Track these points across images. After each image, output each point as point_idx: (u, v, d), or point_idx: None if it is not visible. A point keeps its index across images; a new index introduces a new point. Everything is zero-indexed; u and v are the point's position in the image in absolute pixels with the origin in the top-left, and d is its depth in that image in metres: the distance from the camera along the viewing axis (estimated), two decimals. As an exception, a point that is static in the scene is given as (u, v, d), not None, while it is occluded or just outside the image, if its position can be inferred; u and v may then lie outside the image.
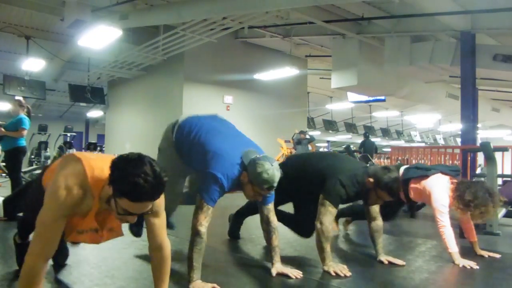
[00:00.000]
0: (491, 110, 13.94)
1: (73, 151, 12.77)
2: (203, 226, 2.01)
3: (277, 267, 2.26)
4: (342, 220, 3.71)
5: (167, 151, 2.42)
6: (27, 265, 1.43)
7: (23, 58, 9.48)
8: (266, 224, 2.30)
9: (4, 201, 4.05)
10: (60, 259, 2.31)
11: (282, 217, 2.85)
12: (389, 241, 3.40)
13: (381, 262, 2.57)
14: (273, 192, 2.12)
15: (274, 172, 2.00)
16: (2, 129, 4.85)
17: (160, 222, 1.65)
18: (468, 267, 2.50)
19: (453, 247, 2.60)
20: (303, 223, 2.80)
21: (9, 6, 7.71)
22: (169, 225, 2.91)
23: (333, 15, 7.44)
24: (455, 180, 2.80)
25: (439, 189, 2.74)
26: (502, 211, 4.07)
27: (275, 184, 2.01)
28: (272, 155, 8.32)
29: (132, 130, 10.78)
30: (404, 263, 2.54)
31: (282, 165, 2.66)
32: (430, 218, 3.43)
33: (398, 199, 2.61)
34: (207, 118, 2.42)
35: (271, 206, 2.30)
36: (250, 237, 3.30)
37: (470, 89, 6.74)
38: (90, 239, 1.63)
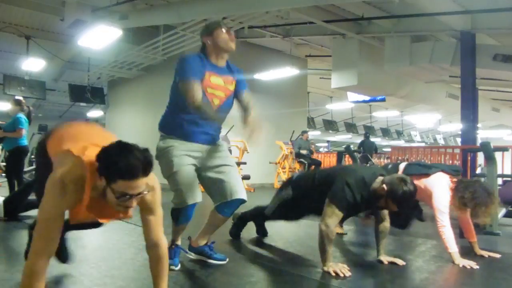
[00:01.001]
0: (491, 110, 13.94)
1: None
2: (195, 94, 2.17)
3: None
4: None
5: (161, 150, 2.42)
6: (29, 263, 1.45)
7: (23, 58, 9.47)
8: (244, 111, 2.37)
9: (5, 201, 4.05)
10: (63, 257, 2.30)
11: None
12: (389, 241, 3.39)
13: (381, 262, 2.57)
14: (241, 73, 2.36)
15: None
16: (1, 130, 4.86)
17: (155, 219, 1.65)
18: (468, 267, 2.50)
19: (452, 247, 2.60)
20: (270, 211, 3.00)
21: (9, 6, 7.71)
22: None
23: (333, 15, 7.44)
24: (455, 180, 2.80)
25: (441, 188, 2.74)
26: (502, 211, 4.07)
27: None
28: (272, 155, 8.34)
29: (132, 130, 10.77)
30: (404, 263, 2.54)
31: (296, 183, 2.84)
32: (430, 218, 3.43)
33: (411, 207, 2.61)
34: None
35: (248, 96, 2.43)
36: (250, 237, 3.30)
37: (470, 89, 6.74)
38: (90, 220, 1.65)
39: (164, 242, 1.68)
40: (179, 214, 2.32)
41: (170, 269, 1.99)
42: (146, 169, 1.42)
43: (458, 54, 7.06)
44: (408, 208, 2.36)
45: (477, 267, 2.51)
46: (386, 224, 2.66)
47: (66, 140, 1.68)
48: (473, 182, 2.69)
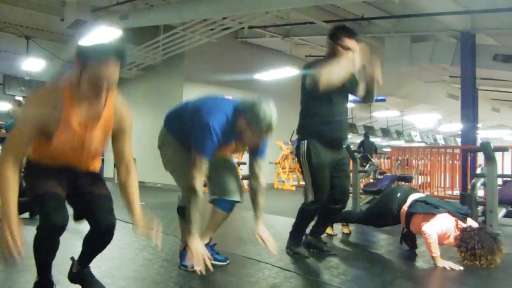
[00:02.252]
0: (491, 110, 13.94)
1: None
2: (197, 181, 2.03)
3: (260, 229, 2.24)
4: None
5: (166, 142, 2.40)
6: None
7: (23, 58, 9.47)
8: (254, 181, 2.30)
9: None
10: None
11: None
12: (389, 241, 3.40)
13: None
14: (266, 141, 2.16)
15: (271, 111, 2.00)
16: (3, 131, 4.86)
17: (125, 140, 1.75)
18: (449, 268, 2.47)
19: (435, 251, 2.57)
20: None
21: (9, 6, 7.72)
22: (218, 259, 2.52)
23: (333, 15, 7.44)
24: (461, 223, 2.69)
25: (436, 224, 2.64)
26: (502, 211, 4.07)
27: (273, 124, 2.00)
28: (273, 156, 8.36)
29: (132, 130, 10.78)
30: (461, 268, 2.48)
31: None
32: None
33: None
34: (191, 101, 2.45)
35: (262, 163, 2.31)
36: (250, 237, 3.30)
37: (470, 89, 6.74)
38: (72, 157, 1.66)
39: (132, 161, 1.79)
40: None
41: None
42: (118, 51, 1.49)
43: (458, 54, 7.06)
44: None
45: (460, 267, 2.48)
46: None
47: None
48: (478, 231, 2.60)
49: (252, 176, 2.31)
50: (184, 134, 2.23)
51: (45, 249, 1.58)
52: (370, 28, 7.89)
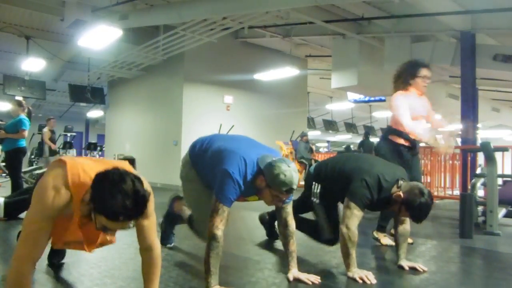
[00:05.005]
0: (491, 110, 13.93)
1: (73, 151, 12.78)
2: (219, 230, 1.94)
3: (294, 273, 2.22)
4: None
5: (189, 176, 2.39)
6: (13, 269, 1.39)
7: (23, 58, 9.48)
8: (283, 228, 2.24)
9: (5, 202, 4.06)
10: (55, 258, 2.31)
11: (302, 224, 2.77)
12: (389, 241, 3.39)
13: (402, 268, 2.48)
14: (292, 194, 2.03)
15: (292, 173, 1.91)
16: (3, 132, 4.86)
17: (149, 223, 1.62)
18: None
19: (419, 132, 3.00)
20: (325, 231, 2.67)
21: (9, 6, 7.71)
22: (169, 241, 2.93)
23: (333, 15, 7.44)
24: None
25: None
26: (502, 211, 4.07)
27: (294, 186, 1.92)
28: (272, 155, 7.99)
29: (132, 130, 10.78)
30: (425, 268, 2.45)
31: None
32: (429, 218, 3.43)
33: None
34: (219, 134, 2.43)
35: (289, 208, 2.24)
36: (250, 237, 3.30)
37: (470, 89, 6.74)
38: (78, 248, 1.62)
39: (157, 246, 1.67)
40: None
41: None
42: (131, 216, 1.34)
43: (458, 54, 7.06)
44: (421, 219, 2.28)
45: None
46: (407, 227, 2.54)
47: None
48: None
49: (281, 222, 2.25)
50: (207, 174, 2.21)
51: None
52: (370, 28, 7.89)
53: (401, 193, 2.26)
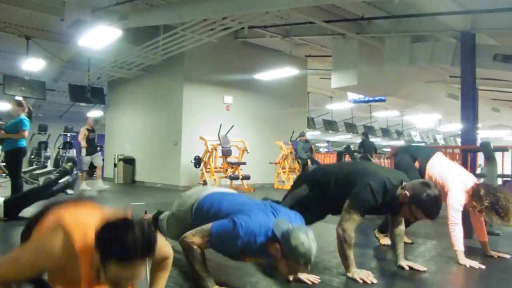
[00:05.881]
0: (491, 110, 13.93)
1: (73, 151, 12.79)
2: (196, 246, 1.94)
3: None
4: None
5: (182, 218, 2.31)
6: None
7: (23, 58, 9.47)
8: None
9: (5, 202, 4.07)
10: None
11: None
12: (389, 241, 3.39)
13: (401, 268, 2.48)
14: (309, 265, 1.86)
15: (310, 244, 1.77)
16: (3, 132, 4.86)
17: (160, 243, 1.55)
18: (476, 267, 2.50)
19: (459, 246, 2.60)
20: None
21: (9, 6, 7.71)
22: None
23: (333, 15, 7.43)
24: (472, 182, 2.77)
25: (457, 188, 2.72)
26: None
27: (312, 259, 1.79)
28: (273, 155, 8.29)
29: (132, 130, 10.78)
30: (425, 268, 2.46)
31: (308, 179, 2.59)
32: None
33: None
34: (227, 192, 2.30)
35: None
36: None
37: (470, 89, 6.73)
38: None
39: (171, 253, 1.67)
40: None
41: None
42: (144, 254, 1.25)
43: (458, 54, 7.05)
44: (434, 212, 2.20)
45: (483, 266, 2.51)
46: (402, 227, 2.55)
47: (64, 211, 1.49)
48: (493, 188, 2.65)
49: None
50: (206, 219, 2.07)
51: None
52: (370, 28, 7.89)
53: (406, 192, 2.23)
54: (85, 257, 1.32)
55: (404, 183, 2.30)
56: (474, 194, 2.65)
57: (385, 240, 3.21)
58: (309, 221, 2.55)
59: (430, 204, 2.17)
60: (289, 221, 1.93)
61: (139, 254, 1.23)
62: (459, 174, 2.85)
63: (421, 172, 3.05)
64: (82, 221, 1.39)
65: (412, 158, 3.17)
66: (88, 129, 8.16)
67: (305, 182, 2.62)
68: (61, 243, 1.32)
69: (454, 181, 2.78)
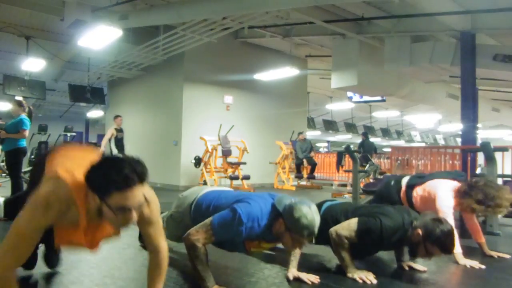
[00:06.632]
0: (491, 110, 13.93)
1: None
2: (200, 243, 1.92)
3: (293, 272, 2.23)
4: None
5: (181, 219, 2.32)
6: None
7: (23, 58, 9.48)
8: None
9: (5, 202, 4.06)
10: (52, 263, 2.29)
11: None
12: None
13: (401, 268, 2.50)
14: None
15: (313, 216, 1.81)
16: (3, 132, 4.86)
17: (155, 229, 1.62)
18: (476, 267, 2.51)
19: (457, 247, 2.59)
20: None
21: (9, 6, 7.71)
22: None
23: (333, 15, 7.44)
24: (458, 183, 2.78)
25: (444, 190, 2.73)
26: (502, 211, 4.06)
27: (316, 230, 1.81)
28: (273, 155, 8.30)
29: (132, 130, 10.78)
30: (425, 268, 2.46)
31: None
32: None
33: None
34: (225, 190, 2.31)
35: None
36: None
37: (470, 89, 6.73)
38: (82, 246, 1.58)
39: (164, 248, 1.67)
40: None
41: None
42: (141, 177, 1.34)
43: (458, 54, 7.05)
44: (449, 247, 2.14)
45: (483, 266, 2.51)
46: None
47: (57, 160, 1.58)
48: (478, 182, 2.65)
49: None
50: (206, 214, 2.07)
51: None
52: (370, 28, 7.89)
53: (419, 231, 2.17)
54: (78, 192, 1.39)
55: (414, 222, 2.25)
56: (460, 192, 2.67)
57: None
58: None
59: (445, 240, 2.13)
60: (289, 197, 1.95)
61: (136, 178, 1.32)
62: (443, 180, 2.85)
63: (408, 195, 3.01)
64: (67, 165, 1.49)
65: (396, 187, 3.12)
66: (116, 129, 7.97)
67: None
68: (53, 187, 1.40)
69: (440, 185, 2.79)
